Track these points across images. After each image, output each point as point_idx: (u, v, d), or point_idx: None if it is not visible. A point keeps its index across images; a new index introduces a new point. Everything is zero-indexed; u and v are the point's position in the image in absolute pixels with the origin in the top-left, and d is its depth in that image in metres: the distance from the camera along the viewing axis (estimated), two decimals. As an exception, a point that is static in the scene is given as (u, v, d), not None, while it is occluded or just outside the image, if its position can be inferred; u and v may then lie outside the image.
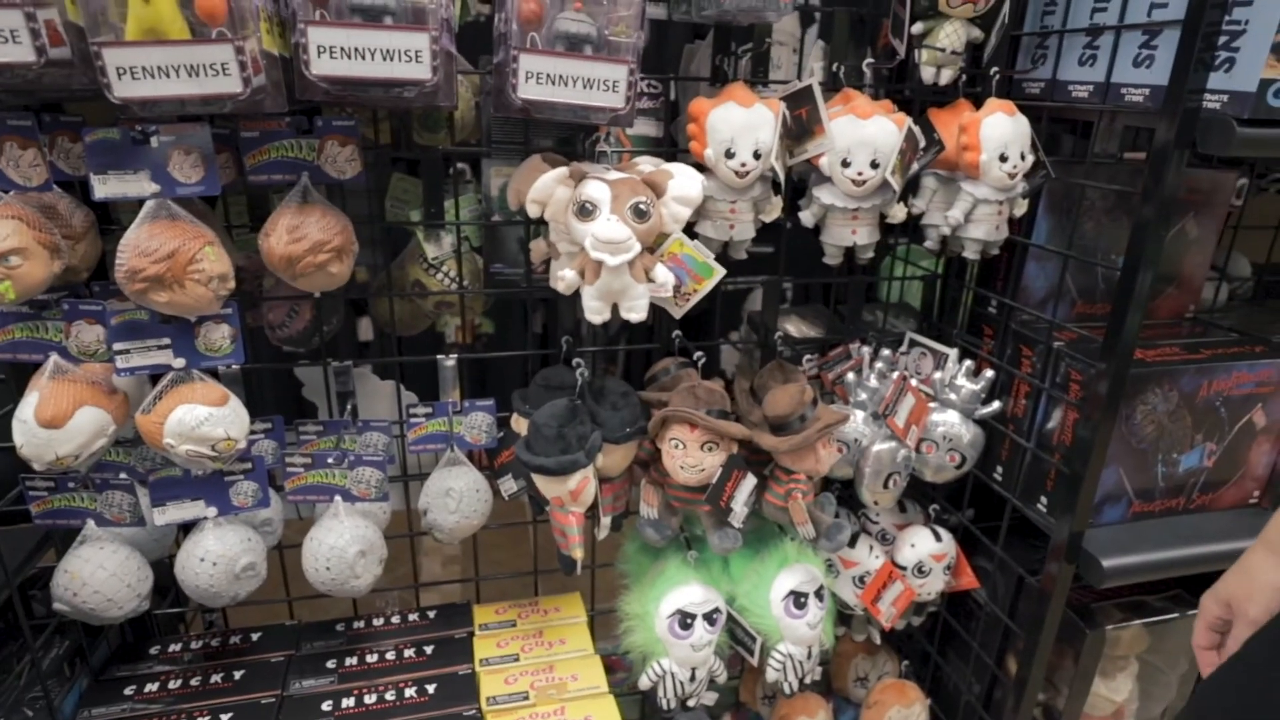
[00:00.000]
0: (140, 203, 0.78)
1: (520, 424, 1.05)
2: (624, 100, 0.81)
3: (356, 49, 0.72)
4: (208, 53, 0.69)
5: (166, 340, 0.83)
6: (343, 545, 0.93)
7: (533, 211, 0.86)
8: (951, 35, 0.97)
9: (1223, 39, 0.81)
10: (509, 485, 1.09)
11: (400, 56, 0.73)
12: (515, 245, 1.06)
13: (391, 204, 1.10)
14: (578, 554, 0.98)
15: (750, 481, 1.02)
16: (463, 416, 1.06)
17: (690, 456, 0.98)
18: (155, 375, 0.84)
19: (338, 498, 0.96)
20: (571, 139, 1.03)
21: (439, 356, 1.04)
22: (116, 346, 0.82)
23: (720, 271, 0.91)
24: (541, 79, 0.77)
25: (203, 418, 0.82)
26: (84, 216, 0.86)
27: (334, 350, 1.04)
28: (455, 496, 1.04)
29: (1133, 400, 1.02)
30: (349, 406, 1.05)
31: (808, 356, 1.22)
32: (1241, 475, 1.12)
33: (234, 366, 0.89)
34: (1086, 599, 1.19)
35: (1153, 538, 1.06)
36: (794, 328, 1.28)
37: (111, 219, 0.96)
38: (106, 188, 0.76)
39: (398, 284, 1.08)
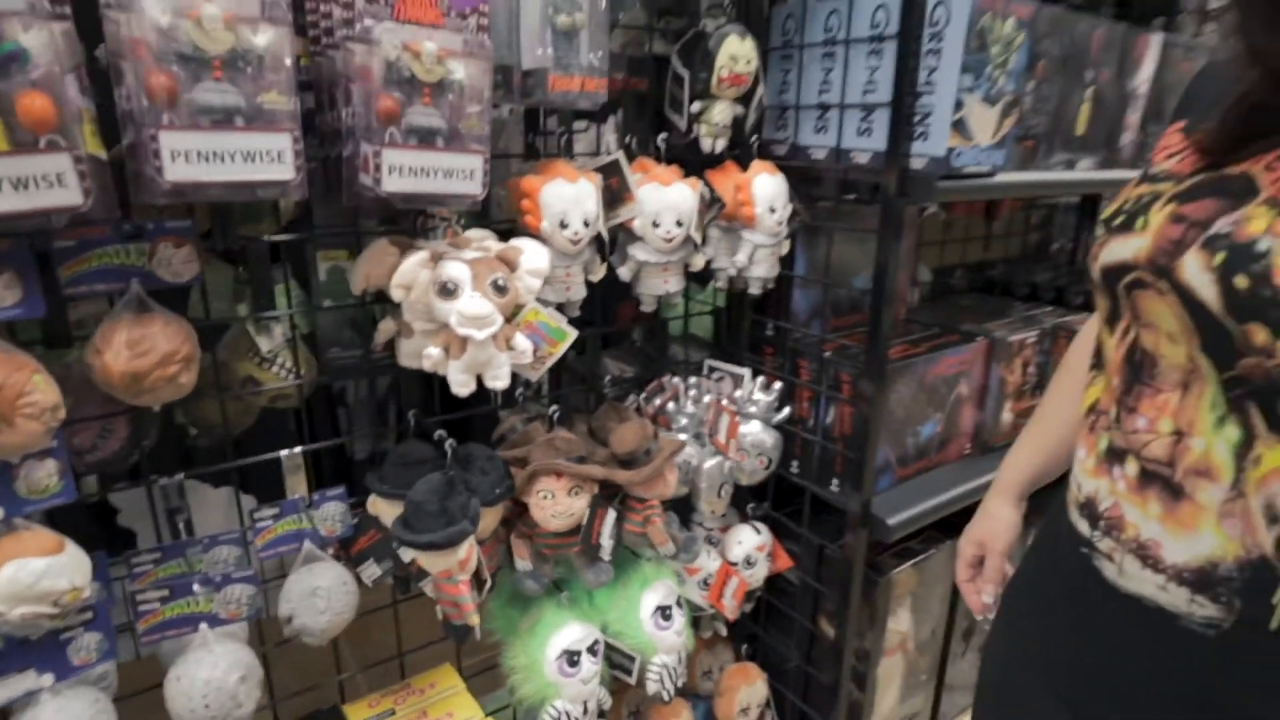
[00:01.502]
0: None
1: (379, 505, 1.04)
2: (480, 187, 0.86)
3: (215, 152, 0.70)
4: (39, 164, 0.63)
5: (-24, 491, 0.71)
6: (220, 676, 0.85)
7: (397, 295, 0.87)
8: (722, 112, 1.16)
9: (918, 117, 1.09)
10: (371, 570, 1.06)
11: (262, 158, 0.72)
12: (349, 328, 1.05)
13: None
14: (474, 620, 1.00)
15: (612, 515, 1.12)
16: (314, 510, 1.02)
17: (560, 504, 1.05)
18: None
19: (203, 625, 0.88)
20: (397, 218, 1.04)
21: (283, 453, 0.99)
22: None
23: (573, 334, 0.99)
24: (404, 171, 0.80)
25: (40, 571, 0.72)
26: None
27: (156, 465, 0.94)
28: (323, 595, 0.99)
29: (887, 390, 1.29)
30: (180, 525, 0.95)
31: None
32: (959, 434, 1.46)
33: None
34: (870, 555, 1.46)
35: (915, 495, 1.34)
36: (615, 369, 1.40)
37: None
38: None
39: (224, 382, 1.01)
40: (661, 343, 1.41)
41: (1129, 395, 0.65)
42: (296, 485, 1.02)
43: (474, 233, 1.04)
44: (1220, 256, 0.56)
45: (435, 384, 1.12)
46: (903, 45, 1.05)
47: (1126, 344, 0.66)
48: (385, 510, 1.03)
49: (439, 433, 1.02)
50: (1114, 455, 0.66)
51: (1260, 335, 0.54)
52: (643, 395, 1.34)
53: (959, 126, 1.07)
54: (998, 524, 1.00)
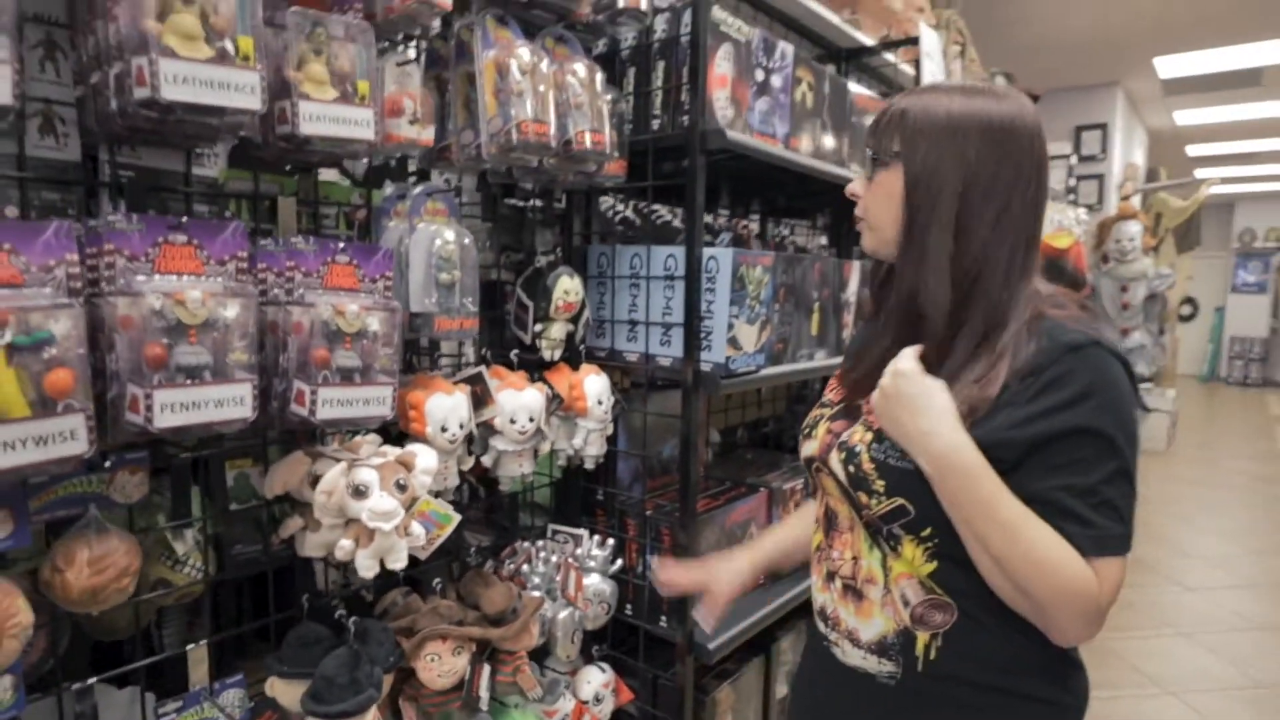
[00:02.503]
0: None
1: (278, 686, 1.15)
2: (390, 409, 1.10)
3: (195, 402, 0.89)
4: (57, 424, 0.79)
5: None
6: None
7: (320, 500, 1.07)
8: (559, 330, 1.50)
9: (703, 335, 1.49)
10: (269, 751, 1.16)
11: (230, 403, 0.92)
12: (251, 526, 1.20)
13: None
14: (378, 781, 1.12)
15: (487, 669, 1.31)
16: (215, 699, 1.12)
17: (445, 664, 1.23)
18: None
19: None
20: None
21: (189, 647, 1.10)
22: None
23: (457, 518, 1.22)
24: (334, 403, 1.03)
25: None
26: None
27: (67, 672, 1.01)
28: (229, 779, 1.08)
29: (698, 538, 1.62)
30: (86, 730, 1.01)
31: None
32: (753, 568, 1.82)
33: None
34: (695, 678, 1.73)
35: (727, 622, 1.65)
36: (473, 540, 1.61)
37: None
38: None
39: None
40: (512, 513, 1.65)
41: (828, 537, 1.06)
42: (199, 676, 1.12)
43: (361, 439, 1.26)
44: (843, 454, 0.98)
45: (324, 570, 1.28)
46: (689, 286, 1.47)
47: (823, 506, 1.08)
48: (283, 691, 1.15)
49: (340, 611, 1.18)
50: (829, 577, 1.04)
51: (863, 497, 0.95)
52: (501, 560, 1.56)
53: (731, 341, 1.49)
54: (733, 566, 1.25)
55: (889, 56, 2.53)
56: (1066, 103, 6.56)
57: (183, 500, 1.10)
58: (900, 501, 0.92)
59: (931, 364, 0.91)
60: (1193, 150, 9.23)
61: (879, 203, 0.97)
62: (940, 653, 0.93)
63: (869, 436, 0.96)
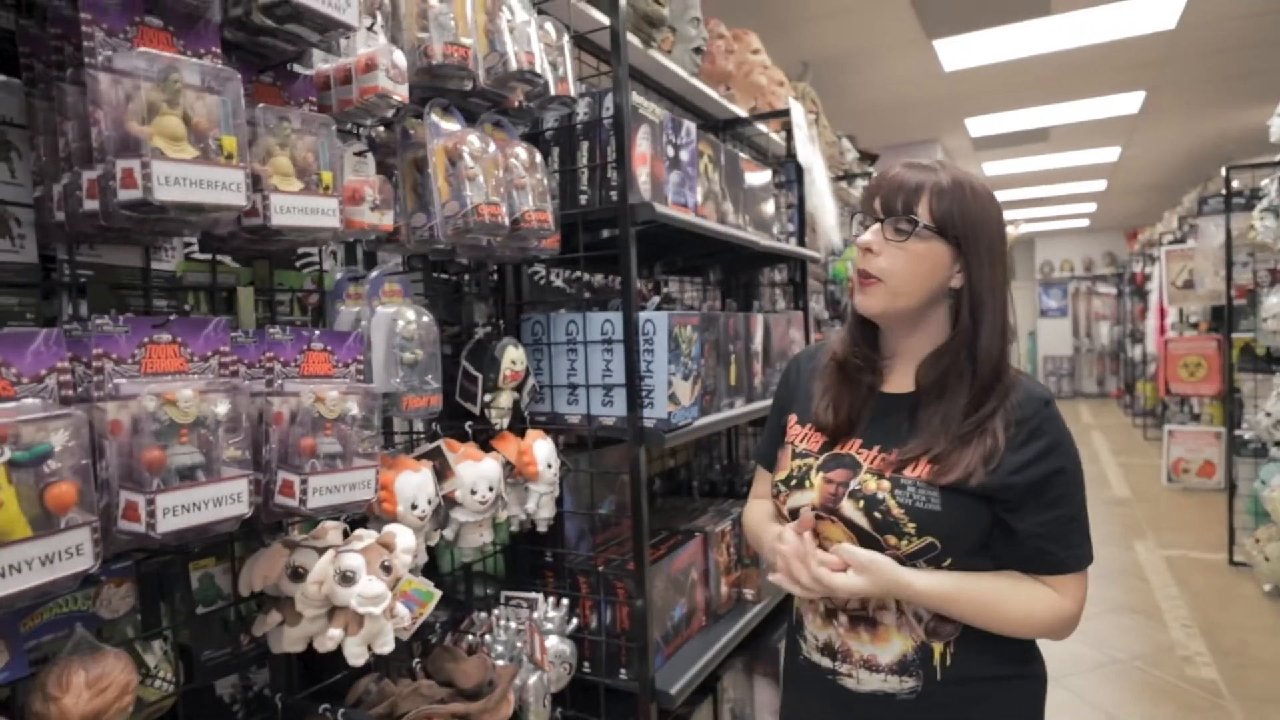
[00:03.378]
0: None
1: (259, 796, 1.10)
2: (373, 493, 1.11)
3: (196, 503, 0.87)
4: (62, 541, 0.76)
5: None
6: None
7: (313, 591, 1.05)
8: (506, 399, 1.54)
9: (645, 393, 1.58)
10: None
11: (228, 500, 0.90)
12: (219, 629, 1.14)
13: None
14: None
15: (468, 746, 1.30)
16: (193, 819, 1.05)
17: (431, 746, 1.21)
18: None
19: None
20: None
21: (163, 766, 1.03)
22: None
23: (438, 594, 1.23)
24: (323, 491, 1.03)
25: None
26: None
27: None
28: None
29: (651, 587, 1.68)
30: None
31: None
32: (697, 611, 1.90)
33: None
34: (653, 730, 1.76)
35: (681, 666, 1.71)
36: (430, 615, 1.58)
37: None
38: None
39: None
40: (466, 584, 1.64)
41: None
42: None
43: (326, 524, 1.24)
44: (861, 503, 1.05)
45: (294, 663, 1.24)
46: (628, 348, 1.56)
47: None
48: (266, 798, 1.10)
49: (324, 706, 1.15)
50: (830, 614, 1.13)
51: (892, 539, 1.04)
52: (461, 632, 1.55)
53: (671, 398, 1.59)
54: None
55: (761, 126, 2.79)
56: (895, 157, 7.29)
57: (152, 609, 1.05)
58: (930, 539, 1.03)
59: (946, 409, 1.06)
60: (1000, 195, 10.47)
61: (910, 268, 1.06)
62: (954, 658, 1.06)
63: (887, 485, 1.05)
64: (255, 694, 1.25)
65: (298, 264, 1.32)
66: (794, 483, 1.15)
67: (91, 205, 0.88)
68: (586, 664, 1.68)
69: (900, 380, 1.15)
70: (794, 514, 1.13)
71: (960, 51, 4.82)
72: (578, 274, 2.01)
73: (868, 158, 4.88)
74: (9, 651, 0.76)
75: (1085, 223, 13.30)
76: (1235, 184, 4.85)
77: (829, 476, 1.11)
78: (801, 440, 1.19)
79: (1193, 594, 4.19)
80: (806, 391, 1.22)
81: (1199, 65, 5.26)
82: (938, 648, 1.06)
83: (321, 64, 1.20)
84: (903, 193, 1.06)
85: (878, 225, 1.08)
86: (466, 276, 1.70)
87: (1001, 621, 1.04)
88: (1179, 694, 3.11)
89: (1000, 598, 1.04)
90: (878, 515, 1.04)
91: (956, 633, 1.06)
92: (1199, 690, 3.13)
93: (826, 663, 1.13)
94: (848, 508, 1.07)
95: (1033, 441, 1.03)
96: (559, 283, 1.97)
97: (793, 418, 1.24)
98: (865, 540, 1.06)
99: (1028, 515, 1.03)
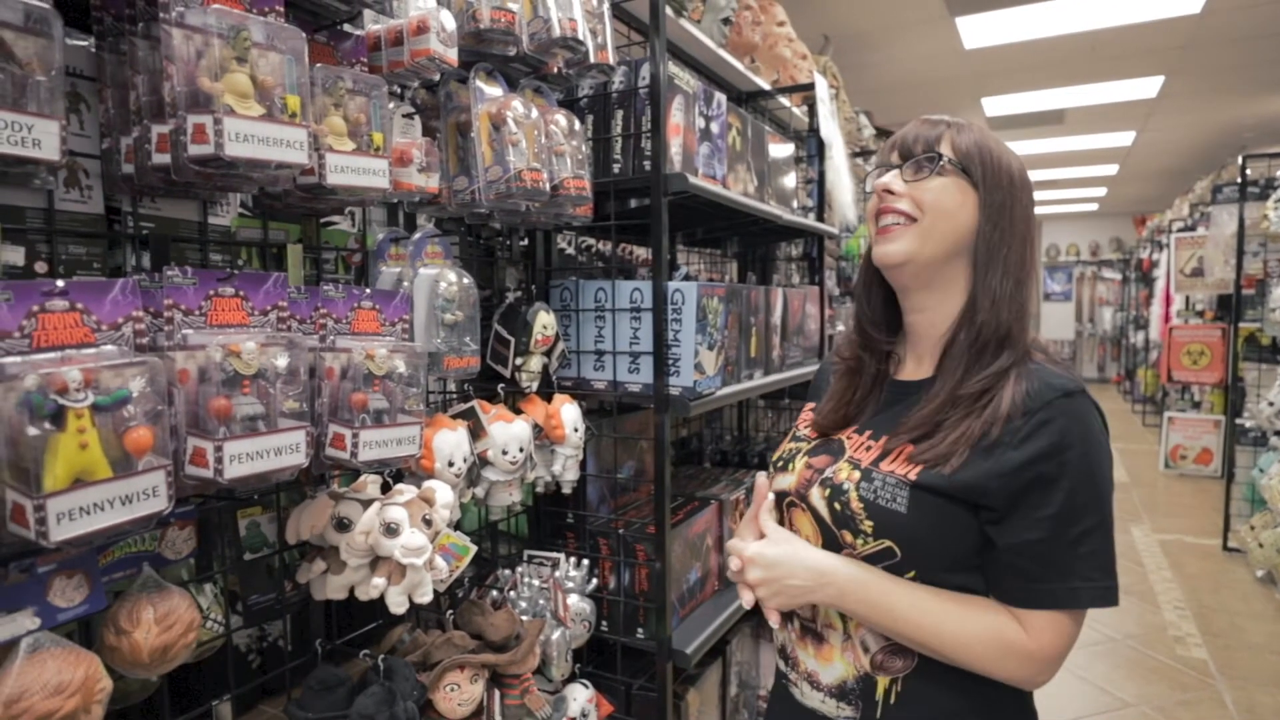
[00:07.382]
0: None
1: (300, 734, 1.15)
2: (418, 448, 1.14)
3: (259, 451, 0.90)
4: (140, 483, 0.79)
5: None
6: None
7: (359, 541, 1.09)
8: (536, 362, 1.57)
9: (671, 362, 1.62)
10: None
11: (287, 450, 0.94)
12: (264, 575, 1.19)
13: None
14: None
15: (498, 695, 1.35)
16: (241, 752, 1.10)
17: (465, 693, 1.27)
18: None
19: None
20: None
21: (213, 703, 1.08)
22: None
23: (474, 548, 1.27)
24: (373, 445, 1.06)
25: None
26: None
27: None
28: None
29: (671, 550, 1.73)
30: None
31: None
32: (711, 575, 1.95)
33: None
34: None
35: (696, 628, 1.77)
36: (455, 571, 1.63)
37: None
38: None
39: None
40: (492, 542, 1.69)
41: None
42: (225, 731, 1.10)
43: (365, 478, 1.28)
44: (828, 491, 0.96)
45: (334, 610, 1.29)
46: (656, 317, 1.59)
47: None
48: (305, 739, 1.15)
49: (365, 652, 1.19)
50: (788, 616, 1.03)
51: (848, 536, 0.94)
52: (486, 588, 1.60)
53: (698, 366, 1.62)
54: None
55: (784, 100, 2.78)
56: (908, 135, 7.25)
57: (204, 554, 1.09)
58: (888, 544, 0.91)
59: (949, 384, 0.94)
60: (1009, 177, 10.41)
61: (937, 200, 0.95)
62: (900, 698, 0.93)
63: (856, 475, 0.95)
64: (270, 644, 1.30)
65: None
66: (781, 464, 1.08)
67: (161, 159, 0.90)
68: (604, 623, 1.73)
69: (915, 366, 1.05)
70: (780, 497, 1.06)
71: (982, 29, 4.78)
72: (588, 243, 2.03)
73: (884, 135, 4.86)
74: (89, 586, 0.80)
75: (1094, 207, 13.26)
76: (1250, 172, 4.85)
77: (810, 462, 1.03)
78: (805, 425, 1.13)
79: (1186, 577, 4.27)
80: (828, 383, 1.16)
81: (1221, 51, 5.22)
82: (882, 681, 0.94)
83: (372, 25, 1.21)
84: (922, 138, 0.99)
85: (895, 170, 1.00)
86: (506, 242, 1.72)
87: (938, 643, 0.89)
88: (1170, 672, 3.19)
89: (940, 612, 0.88)
90: (838, 507, 0.95)
91: (909, 669, 0.93)
92: (1189, 669, 3.21)
93: (782, 665, 1.08)
94: (815, 496, 0.98)
95: (1034, 439, 0.87)
96: (570, 250, 1.99)
97: (810, 404, 1.22)
98: (825, 534, 0.98)
99: (1009, 529, 0.88)
